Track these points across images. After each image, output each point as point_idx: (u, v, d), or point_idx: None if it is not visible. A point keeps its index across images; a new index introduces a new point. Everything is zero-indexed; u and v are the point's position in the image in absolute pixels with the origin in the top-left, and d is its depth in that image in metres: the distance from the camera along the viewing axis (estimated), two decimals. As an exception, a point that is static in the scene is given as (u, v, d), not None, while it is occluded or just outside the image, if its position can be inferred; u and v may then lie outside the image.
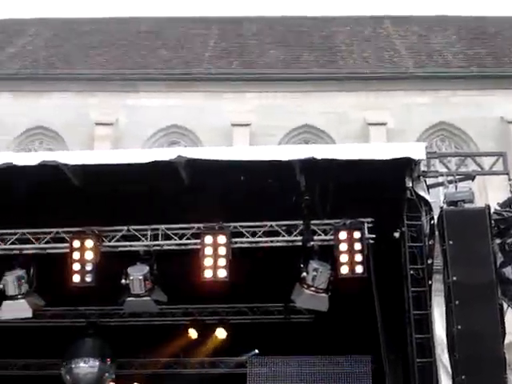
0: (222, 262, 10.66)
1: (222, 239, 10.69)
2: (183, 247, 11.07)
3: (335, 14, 29.57)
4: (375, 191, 10.09)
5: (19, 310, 11.26)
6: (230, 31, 27.48)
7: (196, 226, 10.95)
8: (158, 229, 11.10)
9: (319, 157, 9.57)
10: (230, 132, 22.76)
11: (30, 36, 27.28)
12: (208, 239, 10.71)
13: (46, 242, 11.07)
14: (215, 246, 10.68)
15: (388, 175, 9.89)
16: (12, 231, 11.09)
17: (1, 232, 11.11)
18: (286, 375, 13.45)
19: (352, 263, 10.40)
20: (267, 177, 10.17)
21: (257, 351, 14.08)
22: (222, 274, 10.65)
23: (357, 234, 10.49)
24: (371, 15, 29.19)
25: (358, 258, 10.42)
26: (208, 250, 10.68)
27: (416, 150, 9.88)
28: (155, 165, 9.68)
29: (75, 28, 27.98)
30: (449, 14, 28.92)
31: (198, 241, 10.81)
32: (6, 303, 11.27)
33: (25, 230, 11.08)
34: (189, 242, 11.00)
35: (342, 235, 10.49)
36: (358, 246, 10.45)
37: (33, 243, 11.09)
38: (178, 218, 10.97)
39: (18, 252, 11.12)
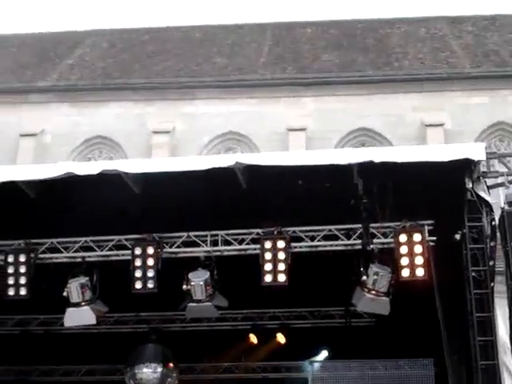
0: (282, 266, 10.68)
1: (281, 244, 10.72)
2: (243, 252, 11.13)
3: (389, 16, 29.37)
4: (435, 193, 10.01)
5: (83, 316, 11.42)
6: (284, 36, 27.54)
7: (255, 231, 11.01)
8: (217, 234, 11.18)
9: (377, 160, 9.53)
10: (286, 137, 22.80)
11: (87, 47, 27.75)
12: (267, 244, 10.74)
13: (109, 250, 11.24)
14: (274, 250, 10.70)
15: (447, 177, 9.79)
16: (75, 239, 11.30)
17: (64, 240, 11.34)
18: (348, 379, 13.35)
19: (413, 266, 10.31)
20: (325, 181, 10.15)
21: (325, 353, 14.02)
22: (282, 278, 10.67)
23: (417, 237, 10.40)
24: (425, 16, 28.94)
25: (419, 260, 10.32)
26: (267, 255, 10.71)
27: (475, 151, 9.75)
28: (213, 171, 9.75)
29: (131, 38, 28.39)
30: (504, 12, 28.49)
31: (258, 246, 10.85)
32: (69, 310, 11.44)
33: (87, 238, 11.27)
34: (248, 247, 11.05)
35: (402, 238, 10.42)
36: (418, 249, 10.36)
37: (95, 251, 11.28)
38: (237, 223, 11.04)
39: (81, 260, 11.31)
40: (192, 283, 11.08)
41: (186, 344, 14.16)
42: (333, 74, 23.99)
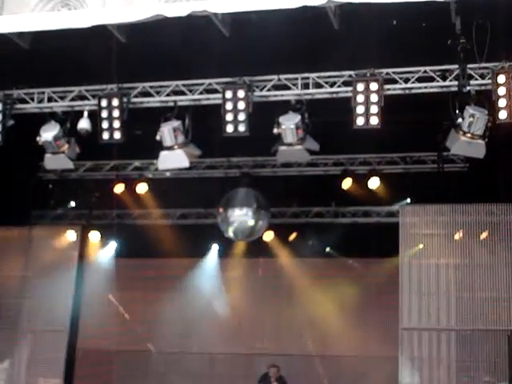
0: (374, 109, 10.49)
1: (374, 86, 10.49)
2: (334, 95, 10.95)
3: None
4: (537, 31, 9.53)
5: (176, 160, 11.46)
6: None
7: (347, 73, 10.78)
8: (308, 77, 11.00)
9: (476, -4, 9.08)
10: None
11: None
12: (360, 86, 10.53)
13: (200, 93, 11.23)
14: (367, 93, 10.49)
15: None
16: (167, 83, 11.31)
17: (156, 85, 11.36)
18: (439, 223, 13.33)
19: (511, 107, 9.98)
20: (420, 20, 9.77)
21: (408, 200, 14.02)
22: (374, 121, 10.50)
23: (516, 78, 10.02)
24: None
25: (518, 102, 9.98)
26: (360, 98, 10.51)
27: None
28: (304, 10, 9.42)
29: None
30: None
31: (350, 88, 10.65)
32: (163, 153, 11.50)
33: (179, 82, 11.26)
34: (340, 89, 10.87)
35: (501, 79, 10.03)
36: (517, 90, 10.00)
37: (187, 95, 11.27)
38: (329, 65, 10.81)
39: (172, 104, 11.32)
40: (283, 126, 10.95)
41: (277, 189, 14.35)
42: None
